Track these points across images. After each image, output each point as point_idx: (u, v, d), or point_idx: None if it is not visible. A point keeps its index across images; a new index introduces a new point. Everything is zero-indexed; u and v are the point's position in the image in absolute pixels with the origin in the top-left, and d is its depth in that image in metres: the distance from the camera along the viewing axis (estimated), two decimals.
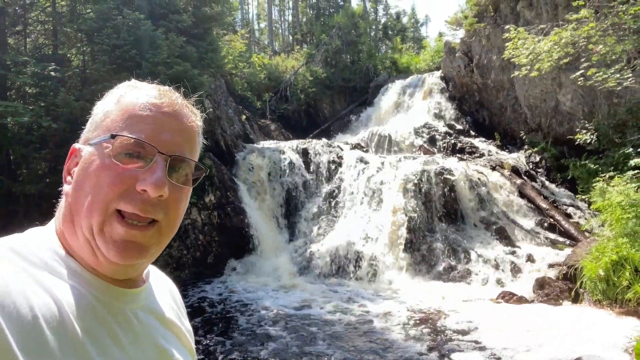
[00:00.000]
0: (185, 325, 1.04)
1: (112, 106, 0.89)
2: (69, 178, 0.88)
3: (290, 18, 37.36)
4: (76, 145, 0.90)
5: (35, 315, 0.69)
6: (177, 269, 9.88)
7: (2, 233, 0.85)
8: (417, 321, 7.26)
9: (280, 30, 38.45)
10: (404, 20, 36.85)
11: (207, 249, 10.57)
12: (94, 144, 0.85)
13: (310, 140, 14.67)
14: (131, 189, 0.81)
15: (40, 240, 0.84)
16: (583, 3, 8.32)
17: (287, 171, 12.40)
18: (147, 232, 0.83)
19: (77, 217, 0.83)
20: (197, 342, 6.49)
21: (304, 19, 33.10)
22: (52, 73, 9.52)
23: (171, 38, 10.56)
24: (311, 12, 32.92)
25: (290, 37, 34.82)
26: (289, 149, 13.12)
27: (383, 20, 35.72)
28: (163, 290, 1.04)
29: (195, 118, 0.94)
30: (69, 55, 11.81)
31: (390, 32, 33.17)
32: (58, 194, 0.92)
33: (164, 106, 0.88)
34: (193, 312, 7.79)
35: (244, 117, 16.74)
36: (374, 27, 32.50)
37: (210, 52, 12.44)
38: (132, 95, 0.89)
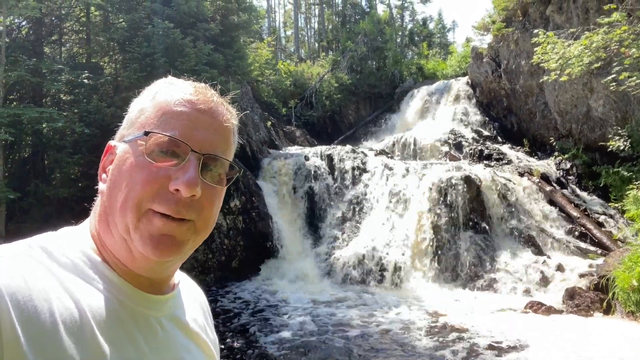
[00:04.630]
0: (210, 337, 1.02)
1: (147, 103, 0.87)
2: (104, 176, 0.87)
3: (316, 25, 37.61)
4: (112, 143, 0.89)
5: (55, 320, 0.69)
6: (202, 273, 10.03)
7: (36, 235, 0.85)
8: (442, 330, 7.16)
9: (306, 38, 38.72)
10: (431, 26, 36.63)
11: (232, 253, 10.69)
12: (128, 141, 0.84)
13: (334, 146, 14.69)
14: (164, 188, 0.80)
15: (73, 241, 0.83)
16: (615, 6, 8.13)
17: (312, 177, 12.45)
18: (183, 227, 0.81)
19: (112, 216, 0.82)
20: (221, 346, 6.57)
21: (330, 26, 33.26)
22: (86, 81, 9.86)
23: (199, 46, 10.79)
24: (337, 19, 33.06)
25: (316, 44, 35.03)
26: (313, 155, 13.18)
27: (409, 26, 35.58)
28: (191, 299, 1.01)
29: (231, 116, 0.92)
30: (101, 63, 12.21)
31: (416, 38, 32.99)
32: (90, 197, 0.93)
33: (200, 103, 0.86)
34: (217, 316, 7.87)
35: (269, 123, 16.91)
36: (400, 33, 32.38)
37: (237, 60, 12.65)
38: (167, 92, 0.87)
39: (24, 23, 11.12)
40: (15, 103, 10.40)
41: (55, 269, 0.76)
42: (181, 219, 0.81)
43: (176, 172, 0.80)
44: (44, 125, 9.01)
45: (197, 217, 0.83)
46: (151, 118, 0.84)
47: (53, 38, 11.79)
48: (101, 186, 0.87)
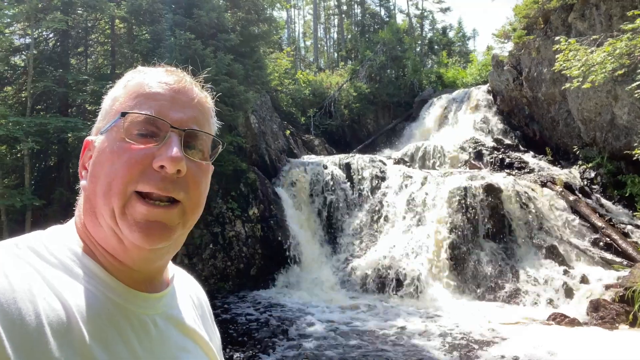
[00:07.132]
0: (209, 333, 0.99)
1: (120, 91, 0.87)
2: (84, 172, 0.86)
3: (335, 35, 37.85)
4: (89, 138, 0.87)
5: (41, 322, 0.66)
6: (221, 280, 10.09)
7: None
8: (461, 342, 7.04)
9: (325, 48, 38.99)
10: (451, 34, 36.44)
11: (251, 261, 10.73)
12: (105, 131, 0.83)
13: (353, 155, 14.68)
14: (148, 168, 0.78)
15: (61, 239, 0.82)
16: (639, 12, 7.97)
17: (330, 185, 12.45)
18: (171, 211, 0.79)
19: (98, 206, 0.80)
20: (238, 355, 6.58)
21: (349, 36, 33.43)
22: None
23: (219, 56, 10.95)
24: (356, 29, 33.22)
25: (335, 54, 35.23)
26: (331, 164, 13.19)
27: (429, 35, 35.50)
28: (186, 294, 0.98)
29: (207, 97, 0.91)
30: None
31: (436, 46, 32.90)
32: None
33: (173, 83, 0.86)
34: (235, 323, 7.90)
35: (288, 132, 17.01)
36: (419, 42, 32.33)
37: (256, 70, 12.78)
38: (140, 77, 0.87)
39: (51, 35, 11.47)
40: (42, 113, 10.71)
41: (42, 268, 0.74)
42: (169, 202, 0.79)
43: (159, 150, 0.79)
44: (69, 135, 9.24)
45: (185, 197, 0.81)
46: (125, 102, 0.83)
47: (79, 50, 12.12)
48: (82, 182, 0.86)
